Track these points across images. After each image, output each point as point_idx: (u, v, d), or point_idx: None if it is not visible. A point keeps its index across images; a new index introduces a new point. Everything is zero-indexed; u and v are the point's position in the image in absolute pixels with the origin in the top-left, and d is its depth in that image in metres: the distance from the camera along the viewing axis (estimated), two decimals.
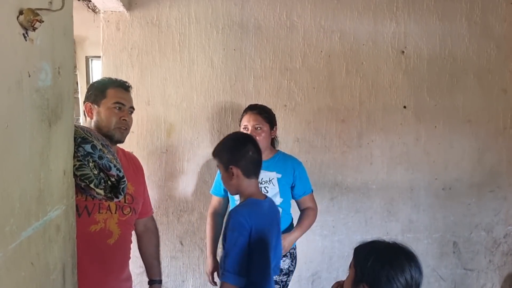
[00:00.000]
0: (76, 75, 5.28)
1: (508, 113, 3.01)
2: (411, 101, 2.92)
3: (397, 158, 2.94)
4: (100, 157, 1.55)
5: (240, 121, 2.41)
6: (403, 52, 2.88)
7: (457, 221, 3.05)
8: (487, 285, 3.13)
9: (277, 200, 2.40)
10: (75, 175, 1.51)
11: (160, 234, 2.69)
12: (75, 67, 5.32)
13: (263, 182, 2.37)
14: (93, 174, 1.53)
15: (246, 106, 2.54)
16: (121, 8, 2.56)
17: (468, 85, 2.96)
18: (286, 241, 2.42)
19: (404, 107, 2.91)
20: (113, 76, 2.06)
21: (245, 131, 2.32)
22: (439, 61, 2.92)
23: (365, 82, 2.86)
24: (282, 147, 2.63)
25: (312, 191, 2.51)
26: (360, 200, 2.94)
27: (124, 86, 1.94)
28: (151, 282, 2.13)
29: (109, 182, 1.61)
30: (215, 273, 2.47)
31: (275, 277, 2.43)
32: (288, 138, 2.76)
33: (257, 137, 2.29)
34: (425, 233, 3.02)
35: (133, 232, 2.04)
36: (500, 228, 3.10)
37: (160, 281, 2.14)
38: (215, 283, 2.47)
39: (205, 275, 2.73)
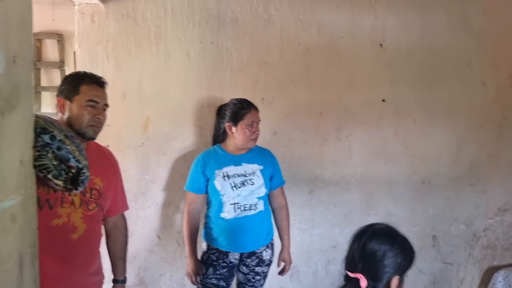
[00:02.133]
0: (64, 70, 5.25)
1: (487, 107, 3.01)
2: (390, 94, 2.91)
3: (376, 152, 2.94)
4: (59, 148, 1.53)
5: (240, 117, 2.35)
6: (381, 45, 2.87)
7: (436, 215, 3.05)
8: (467, 278, 3.13)
9: (262, 191, 2.44)
10: (34, 166, 1.49)
11: (137, 228, 2.73)
12: (63, 62, 5.30)
13: (247, 175, 2.40)
14: (52, 164, 1.52)
15: (224, 99, 2.53)
16: (95, 0, 2.54)
17: (448, 79, 2.95)
18: (287, 255, 2.58)
19: (383, 100, 2.90)
20: (89, 69, 2.03)
21: (250, 128, 2.35)
22: (418, 54, 2.91)
23: (344, 75, 2.85)
24: (259, 140, 2.61)
25: (285, 183, 2.55)
26: (339, 194, 2.93)
27: (98, 82, 1.89)
28: (114, 281, 2.11)
29: (70, 174, 1.59)
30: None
31: (258, 269, 2.48)
32: (265, 132, 2.74)
33: (258, 132, 2.40)
34: (404, 227, 2.91)
35: None
36: (480, 221, 3.10)
37: (123, 281, 2.12)
38: (197, 283, 2.46)
39: (183, 269, 2.73)
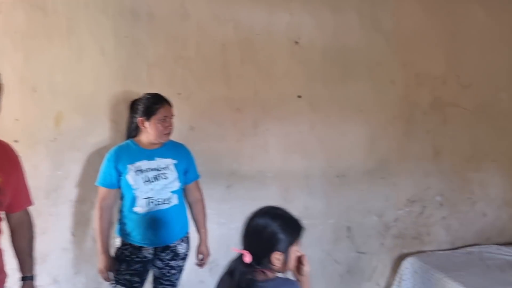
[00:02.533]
0: None
1: (396, 103, 3.18)
2: (305, 90, 3.00)
3: (292, 147, 3.03)
4: None
5: (153, 112, 2.37)
6: (297, 42, 2.96)
7: (351, 207, 3.19)
8: (379, 266, 3.30)
9: (176, 185, 2.46)
10: None
11: (49, 225, 2.66)
12: None
13: (160, 169, 2.40)
14: None
15: (140, 94, 2.50)
16: None
17: (360, 76, 3.09)
18: (204, 248, 2.64)
19: (299, 96, 3.00)
20: None
21: (163, 122, 2.37)
22: (332, 52, 3.03)
23: (260, 71, 2.92)
24: (176, 136, 2.62)
25: (200, 177, 2.59)
26: (256, 188, 2.99)
27: None
28: (23, 279, 2.05)
29: None
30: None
31: (173, 263, 2.49)
32: (182, 127, 2.75)
33: (171, 126, 2.43)
34: (320, 219, 3.13)
35: None
36: (391, 212, 3.27)
37: (31, 277, 2.05)
38: (110, 279, 2.44)
39: None
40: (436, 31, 3.22)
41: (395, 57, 3.14)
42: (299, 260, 1.68)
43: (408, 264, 3.17)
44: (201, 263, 2.65)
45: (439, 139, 3.30)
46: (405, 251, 3.31)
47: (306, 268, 1.68)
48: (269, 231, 1.59)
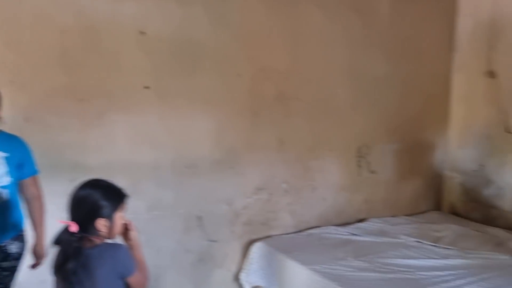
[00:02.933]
0: None
1: (243, 96, 3.33)
2: (153, 81, 2.99)
3: (140, 138, 3.00)
4: None
5: None
6: (144, 33, 2.93)
7: (201, 197, 3.25)
8: (230, 253, 3.43)
9: (6, 180, 2.29)
10: None
11: None
12: None
13: None
14: None
15: None
16: None
17: (208, 69, 3.17)
18: (40, 248, 2.45)
19: (146, 87, 2.97)
20: None
21: None
22: (180, 44, 3.06)
23: (105, 61, 2.83)
24: (10, 127, 2.42)
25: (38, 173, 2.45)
26: None
27: None
28: None
29: None
30: None
31: (5, 264, 2.32)
32: (16, 118, 2.55)
33: None
34: (170, 210, 3.15)
35: None
36: (240, 200, 3.42)
37: None
38: None
39: None
40: (279, 29, 3.43)
41: (241, 51, 3.28)
42: (126, 227, 1.82)
43: (256, 249, 3.35)
44: (35, 265, 2.48)
45: (283, 130, 3.53)
46: (254, 236, 3.49)
47: (133, 233, 1.82)
48: (91, 199, 1.71)
